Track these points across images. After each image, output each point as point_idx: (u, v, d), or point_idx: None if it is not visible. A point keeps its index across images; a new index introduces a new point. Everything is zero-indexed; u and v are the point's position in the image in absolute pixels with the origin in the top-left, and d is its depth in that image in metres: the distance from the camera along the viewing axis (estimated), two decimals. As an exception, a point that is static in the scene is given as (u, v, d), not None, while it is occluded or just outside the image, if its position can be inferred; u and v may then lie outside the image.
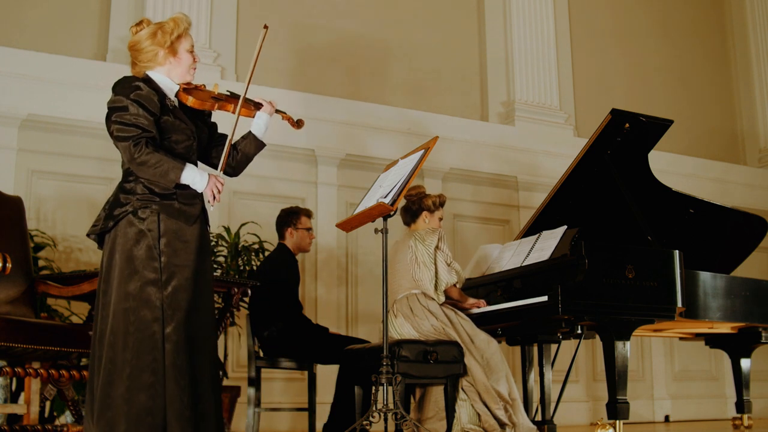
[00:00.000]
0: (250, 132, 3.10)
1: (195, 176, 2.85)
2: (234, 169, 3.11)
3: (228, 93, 3.06)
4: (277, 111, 3.17)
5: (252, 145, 3.09)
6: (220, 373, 3.05)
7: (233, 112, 3.02)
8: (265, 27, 3.04)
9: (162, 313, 2.72)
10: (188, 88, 2.99)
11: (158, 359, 2.68)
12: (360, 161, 6.22)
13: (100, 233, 2.86)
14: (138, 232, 2.77)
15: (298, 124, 3.26)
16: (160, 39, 2.91)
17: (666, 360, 7.31)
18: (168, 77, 2.95)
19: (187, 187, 2.86)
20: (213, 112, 3.08)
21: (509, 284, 4.31)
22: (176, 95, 2.97)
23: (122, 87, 2.85)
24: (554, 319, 3.89)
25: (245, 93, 3.04)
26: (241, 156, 3.09)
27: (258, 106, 3.11)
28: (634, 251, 3.96)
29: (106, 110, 2.85)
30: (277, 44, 6.36)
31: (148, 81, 2.90)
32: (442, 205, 4.23)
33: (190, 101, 2.96)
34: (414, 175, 3.56)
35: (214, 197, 2.89)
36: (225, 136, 3.05)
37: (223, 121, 3.12)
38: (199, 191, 2.88)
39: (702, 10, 8.77)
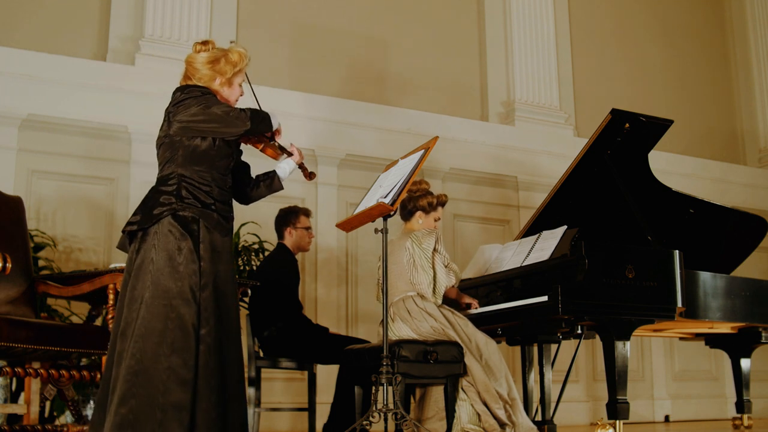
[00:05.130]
0: (274, 172, 3.29)
1: (275, 119, 3.18)
2: (249, 199, 3.30)
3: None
4: (302, 165, 3.36)
5: (273, 185, 3.28)
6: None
7: (261, 150, 3.23)
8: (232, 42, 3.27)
9: (199, 316, 2.80)
10: None
11: (193, 358, 2.75)
12: (360, 161, 6.22)
13: (134, 232, 2.91)
14: (181, 234, 2.85)
15: (310, 176, 3.40)
16: (223, 67, 3.08)
17: (666, 360, 7.31)
18: None
19: (225, 201, 3.01)
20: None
21: (509, 284, 4.31)
22: None
23: (194, 87, 3.02)
24: (554, 319, 3.89)
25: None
26: (260, 190, 3.28)
27: (286, 151, 3.28)
28: (634, 251, 3.96)
29: (176, 104, 2.97)
30: (277, 44, 6.36)
31: None
32: (442, 205, 4.17)
33: None
34: (414, 175, 3.56)
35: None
36: (247, 165, 3.30)
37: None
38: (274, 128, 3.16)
39: (702, 10, 8.78)
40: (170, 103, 3.02)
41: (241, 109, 3.00)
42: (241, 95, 3.18)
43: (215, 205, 2.95)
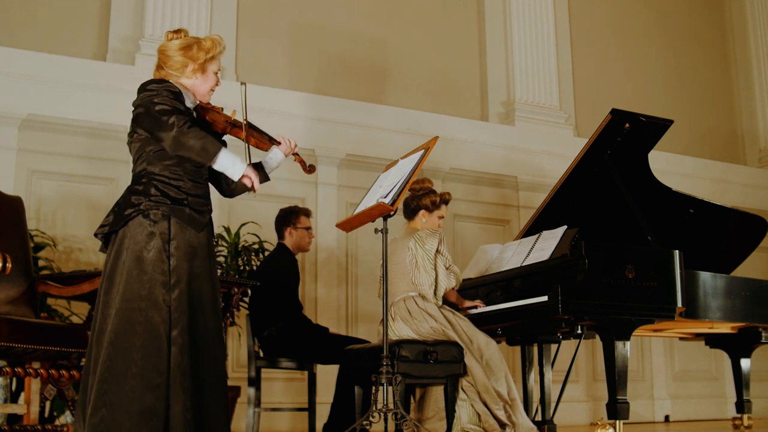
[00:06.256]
0: (260, 163, 3.12)
1: (235, 161, 2.87)
2: (232, 192, 3.15)
3: (244, 121, 3.05)
4: (295, 154, 3.22)
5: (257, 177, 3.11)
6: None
7: (244, 140, 3.04)
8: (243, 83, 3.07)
9: (169, 316, 2.73)
10: (205, 107, 3.05)
11: (164, 361, 2.68)
12: (360, 161, 6.22)
13: (108, 234, 2.85)
14: (149, 234, 2.78)
15: (309, 169, 3.27)
16: (195, 54, 2.98)
17: (666, 360, 7.31)
18: (190, 91, 3.00)
19: (199, 195, 2.91)
20: (225, 136, 3.10)
21: (509, 284, 4.31)
22: (195, 110, 3.02)
23: (154, 83, 2.91)
24: (554, 319, 3.89)
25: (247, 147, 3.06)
26: (242, 183, 3.04)
27: (274, 141, 3.14)
28: (634, 251, 3.96)
29: (137, 104, 2.88)
30: (277, 44, 6.36)
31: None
32: (445, 203, 4.16)
33: (207, 118, 3.03)
34: (414, 175, 3.56)
35: (253, 185, 2.91)
36: None
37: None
38: (234, 179, 2.90)
39: (702, 10, 8.78)
40: (134, 100, 2.94)
41: (185, 122, 2.78)
42: (218, 85, 3.07)
43: (188, 199, 2.86)
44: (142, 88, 2.92)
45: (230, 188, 3.15)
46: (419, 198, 4.11)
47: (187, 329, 2.74)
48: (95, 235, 2.91)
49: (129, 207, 2.82)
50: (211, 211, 2.98)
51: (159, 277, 2.74)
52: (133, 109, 2.93)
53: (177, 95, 2.89)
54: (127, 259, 2.76)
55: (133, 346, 2.67)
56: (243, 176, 2.88)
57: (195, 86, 3.01)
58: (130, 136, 2.94)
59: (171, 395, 2.67)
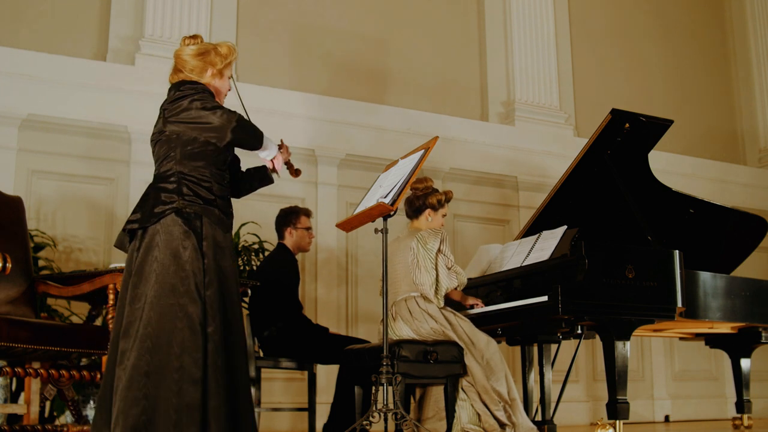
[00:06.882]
0: (264, 167, 3.30)
1: (272, 144, 3.16)
2: (240, 192, 3.30)
3: None
4: (288, 161, 3.37)
5: (265, 179, 3.34)
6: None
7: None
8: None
9: (204, 313, 2.80)
10: None
11: (202, 356, 2.75)
12: (360, 161, 6.22)
13: (135, 230, 2.90)
14: (184, 232, 2.85)
15: (296, 173, 3.42)
16: (214, 59, 3.09)
17: (666, 360, 7.31)
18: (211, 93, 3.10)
19: (224, 197, 3.02)
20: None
21: (509, 284, 4.31)
22: None
23: (187, 84, 3.02)
24: (554, 319, 3.89)
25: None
26: (252, 184, 3.31)
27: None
28: (634, 251, 3.96)
29: (171, 101, 2.97)
30: (277, 44, 6.36)
31: None
32: (447, 201, 4.18)
33: None
34: (414, 175, 3.56)
35: (275, 167, 3.19)
36: (238, 159, 3.28)
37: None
38: (269, 158, 3.17)
39: (702, 9, 8.78)
40: (166, 99, 3.01)
41: (231, 110, 2.98)
42: (229, 90, 3.18)
43: (216, 201, 2.95)
44: (175, 88, 3.01)
45: (239, 188, 3.27)
46: (425, 197, 4.11)
47: (222, 326, 2.83)
48: (123, 230, 2.97)
49: (161, 204, 2.87)
50: (233, 214, 3.08)
51: (196, 274, 2.82)
52: (164, 107, 2.99)
53: (211, 95, 3.02)
54: (161, 254, 2.82)
55: (174, 340, 2.73)
56: (273, 158, 3.17)
57: (215, 89, 3.11)
58: (159, 134, 2.99)
59: (209, 389, 2.73)
